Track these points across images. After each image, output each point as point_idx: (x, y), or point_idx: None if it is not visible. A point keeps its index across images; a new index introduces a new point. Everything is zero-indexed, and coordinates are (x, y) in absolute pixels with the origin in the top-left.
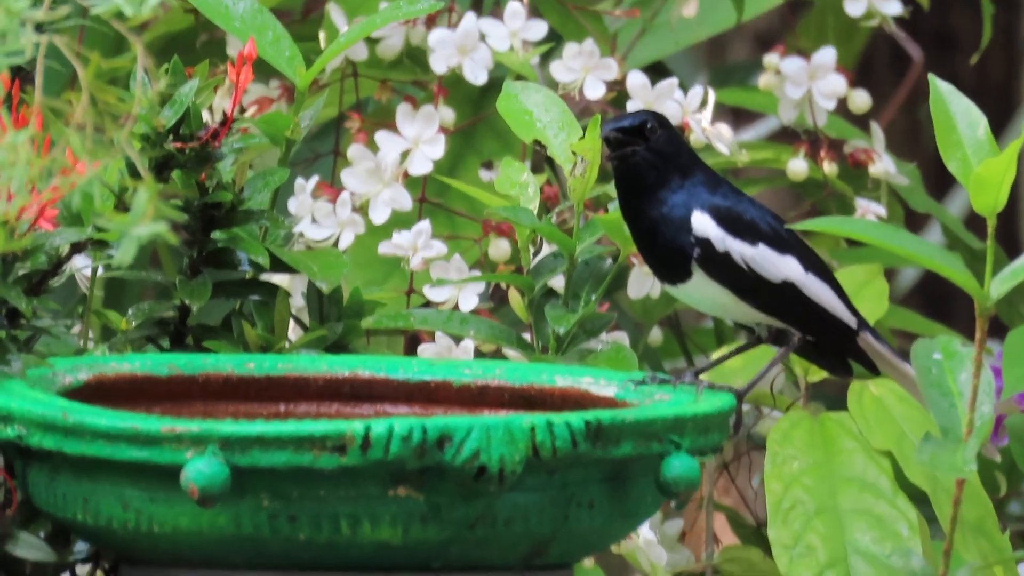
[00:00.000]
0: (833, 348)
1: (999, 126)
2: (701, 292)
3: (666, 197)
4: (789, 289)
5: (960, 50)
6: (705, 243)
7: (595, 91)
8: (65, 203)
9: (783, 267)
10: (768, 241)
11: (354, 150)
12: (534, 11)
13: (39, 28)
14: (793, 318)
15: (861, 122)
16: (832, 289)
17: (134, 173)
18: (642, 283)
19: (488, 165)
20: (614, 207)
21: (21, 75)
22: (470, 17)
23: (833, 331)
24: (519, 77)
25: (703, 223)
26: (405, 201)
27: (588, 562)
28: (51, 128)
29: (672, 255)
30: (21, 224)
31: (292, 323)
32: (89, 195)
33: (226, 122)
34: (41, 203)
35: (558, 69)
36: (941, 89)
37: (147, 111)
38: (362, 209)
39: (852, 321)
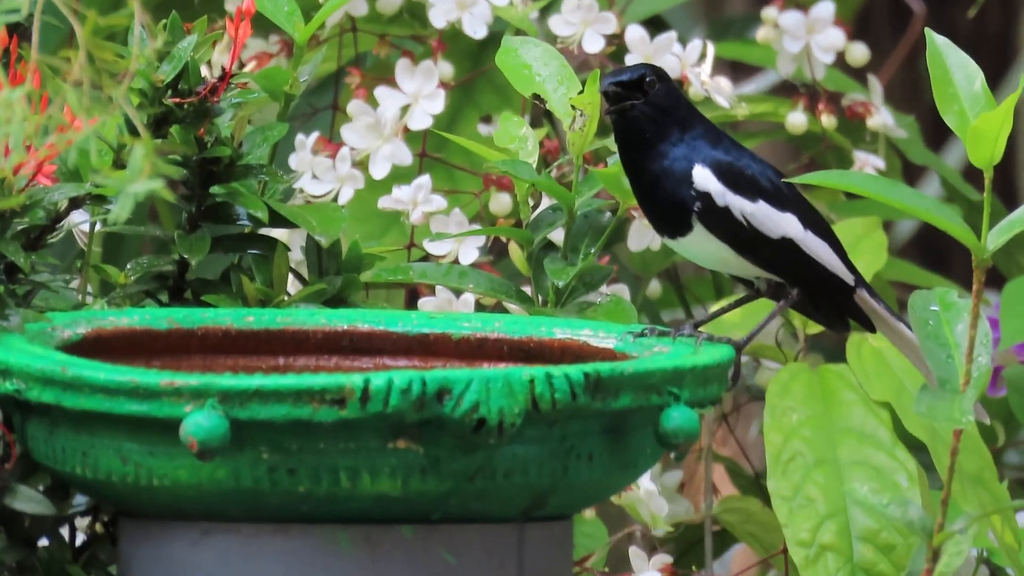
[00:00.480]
0: (830, 304)
1: (997, 78)
2: (700, 246)
3: (667, 151)
4: (788, 245)
5: (958, 3)
6: (706, 197)
7: (594, 45)
8: (62, 159)
9: (782, 223)
10: (768, 197)
11: (353, 105)
12: None
13: None
14: (791, 274)
15: (859, 75)
16: (831, 246)
17: (132, 129)
18: (641, 236)
19: (487, 119)
20: (613, 161)
21: (18, 31)
22: None
23: (830, 288)
24: (518, 31)
25: (704, 177)
26: (405, 156)
27: (588, 513)
28: (48, 85)
29: (673, 208)
30: (19, 180)
31: (291, 277)
32: (86, 151)
33: (225, 77)
34: (39, 159)
35: (557, 23)
36: (938, 43)
37: (145, 67)
38: (362, 164)
39: (850, 279)
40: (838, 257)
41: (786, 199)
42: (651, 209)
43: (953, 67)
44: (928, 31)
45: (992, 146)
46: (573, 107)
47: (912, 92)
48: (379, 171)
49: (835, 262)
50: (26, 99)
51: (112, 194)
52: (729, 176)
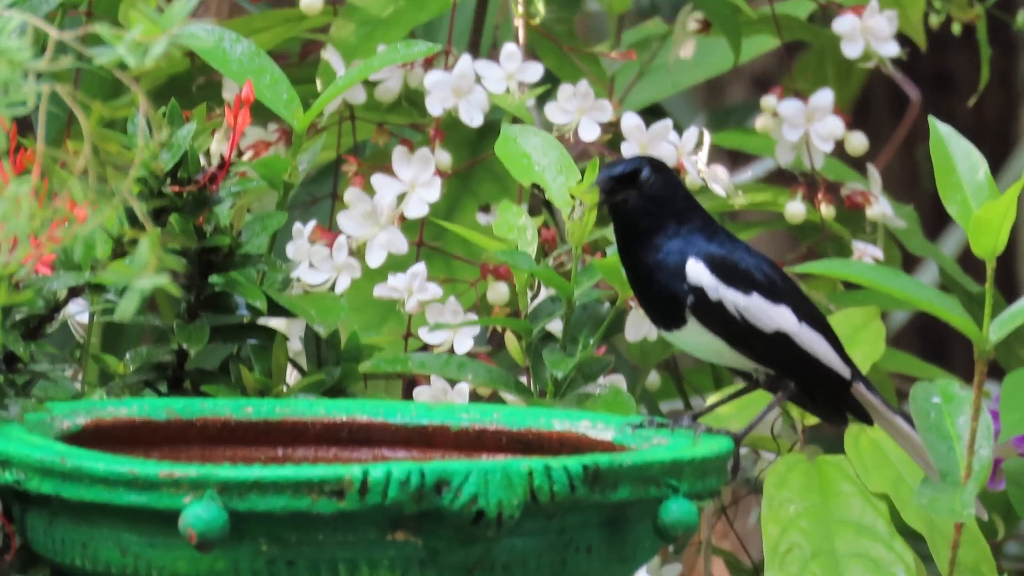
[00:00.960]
0: (826, 398)
1: (996, 167)
2: (695, 339)
3: (662, 243)
4: (782, 339)
5: (957, 91)
6: (699, 291)
7: (590, 133)
8: (65, 250)
9: (776, 317)
10: (762, 290)
11: (350, 193)
12: (530, 53)
13: (39, 76)
14: (786, 368)
15: (858, 163)
16: (826, 339)
17: (133, 219)
18: (639, 327)
19: (486, 208)
20: (612, 251)
21: (18, 120)
22: (466, 59)
23: (826, 381)
24: (515, 119)
25: (697, 271)
26: (401, 244)
27: None
28: (51, 175)
29: (667, 302)
30: (21, 272)
31: (290, 367)
32: (91, 242)
33: (224, 166)
34: (42, 250)
35: (553, 111)
36: (941, 131)
37: (145, 155)
38: (359, 252)
39: (846, 372)
40: (834, 351)
41: (780, 292)
42: (647, 302)
43: (956, 156)
44: (931, 119)
45: (995, 236)
46: (572, 197)
47: (909, 179)
48: (375, 259)
49: (831, 356)
50: (31, 193)
51: (110, 283)
52: (722, 269)
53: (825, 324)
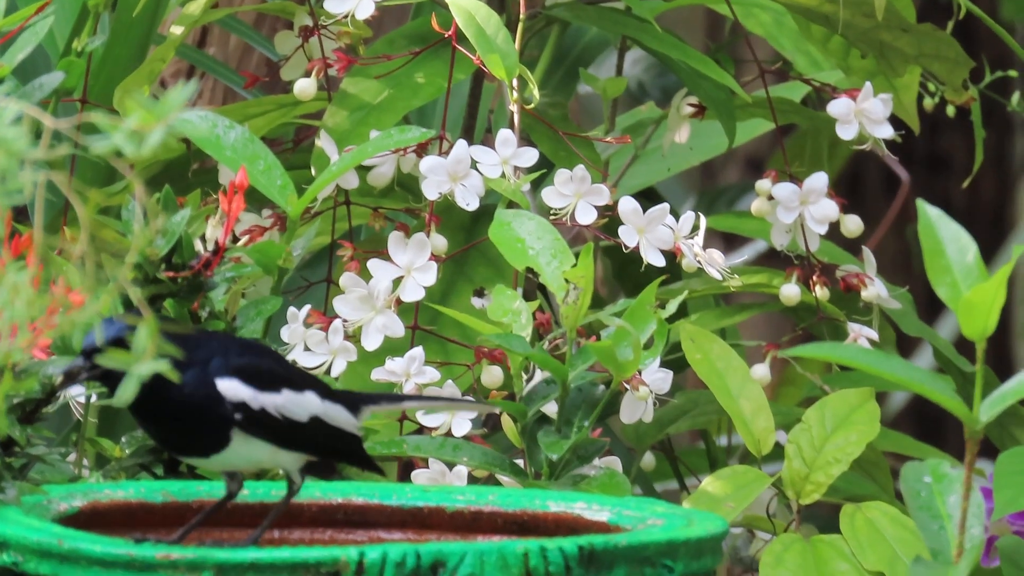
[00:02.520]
0: (350, 457)
1: (992, 248)
2: (238, 452)
3: (170, 385)
4: (316, 423)
5: (953, 172)
6: (242, 406)
7: (587, 216)
8: (62, 336)
9: (308, 405)
10: (289, 384)
11: (346, 278)
12: (525, 138)
13: (35, 164)
14: (324, 447)
15: (853, 244)
16: (339, 404)
17: (128, 305)
18: (634, 409)
19: (480, 292)
20: (607, 334)
21: (14, 207)
22: (462, 144)
23: (349, 445)
24: (511, 204)
25: (233, 388)
26: (397, 328)
27: None
28: (47, 262)
29: (209, 431)
30: (19, 358)
31: None
32: (86, 326)
33: (218, 251)
34: (38, 336)
35: (550, 195)
36: (930, 214)
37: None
38: (354, 336)
39: (355, 428)
40: (346, 411)
41: (299, 380)
42: (179, 440)
43: (946, 239)
44: (920, 202)
45: (985, 319)
46: (567, 281)
47: (903, 259)
48: (372, 343)
49: (346, 418)
50: (29, 281)
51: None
52: (252, 377)
53: (326, 387)
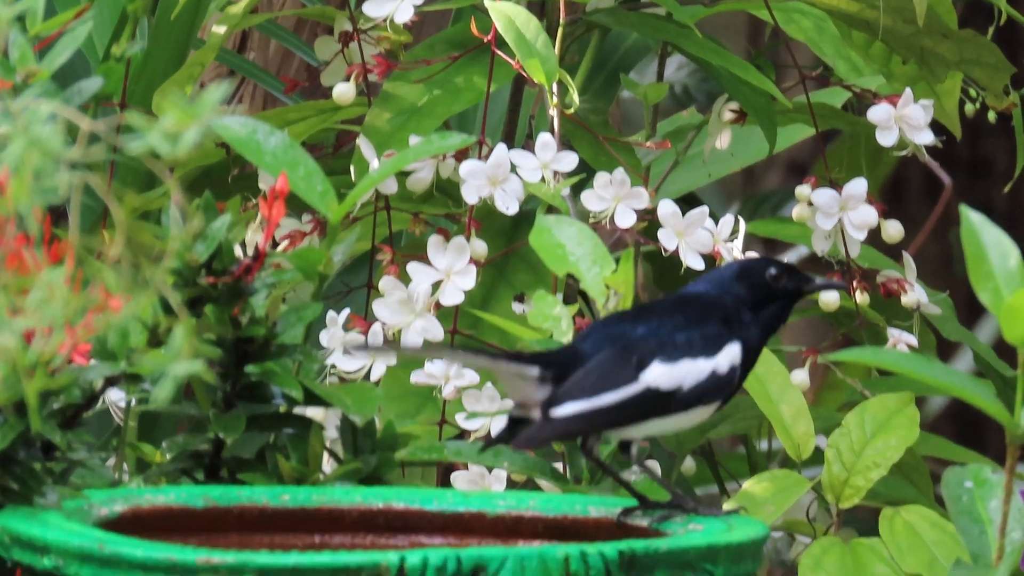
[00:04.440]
0: None
1: None
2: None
3: None
4: None
5: (994, 177)
6: None
7: (626, 220)
8: (98, 338)
9: None
10: None
11: (385, 282)
12: (566, 143)
13: (72, 166)
14: None
15: (894, 249)
16: None
17: (167, 308)
18: None
19: (520, 298)
20: None
21: (53, 211)
22: (502, 148)
23: None
24: (550, 208)
25: None
26: (437, 331)
27: None
28: (85, 265)
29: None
30: (56, 360)
31: (326, 456)
32: (125, 331)
33: (259, 257)
34: (76, 339)
35: (589, 198)
36: (972, 219)
37: (180, 245)
38: (395, 340)
39: None
40: None
41: None
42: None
43: (988, 244)
44: (963, 207)
45: None
46: (607, 286)
47: (944, 264)
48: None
49: None
50: (65, 280)
51: (147, 372)
52: None
53: None
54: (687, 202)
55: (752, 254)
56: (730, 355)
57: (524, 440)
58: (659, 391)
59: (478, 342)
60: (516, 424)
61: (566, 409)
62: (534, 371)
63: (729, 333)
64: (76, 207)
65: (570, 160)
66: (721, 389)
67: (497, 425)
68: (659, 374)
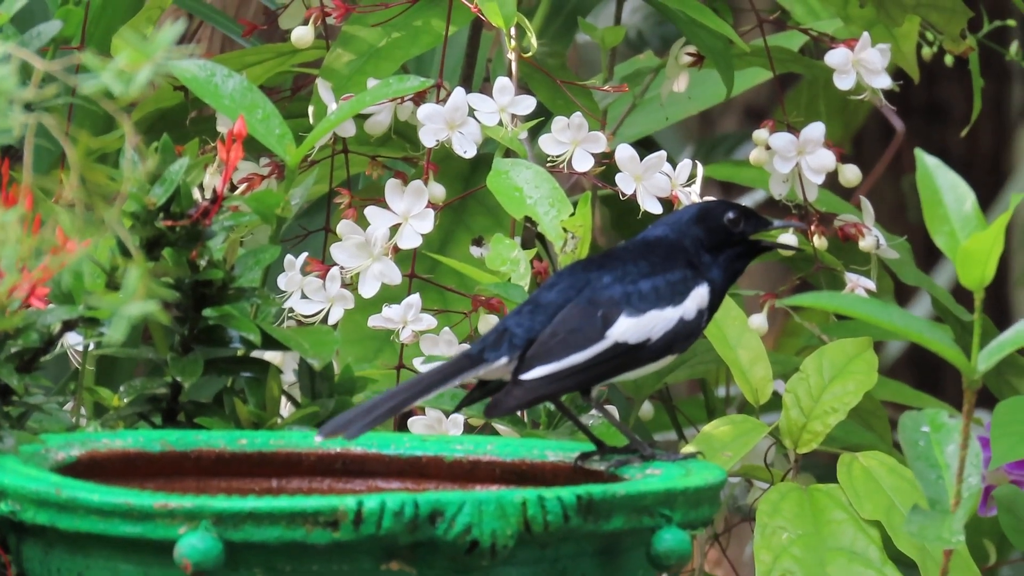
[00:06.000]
0: None
1: (989, 196)
2: None
3: None
4: None
5: (950, 122)
6: None
7: (584, 164)
8: (55, 281)
9: None
10: None
11: (343, 225)
12: (524, 87)
13: (28, 107)
14: None
15: (851, 194)
16: None
17: (125, 251)
18: None
19: (478, 241)
20: None
21: (10, 153)
22: (460, 92)
23: None
24: (508, 152)
25: None
26: (395, 275)
27: None
28: (41, 207)
29: None
30: (12, 302)
31: (284, 400)
32: (79, 273)
33: (217, 200)
34: (32, 282)
35: (547, 142)
36: (927, 163)
37: (137, 189)
38: (352, 284)
39: None
40: None
41: None
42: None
43: (943, 188)
44: (918, 151)
45: (983, 267)
46: (565, 230)
47: (900, 208)
48: (369, 290)
49: None
50: (19, 221)
51: (105, 316)
52: None
53: None
54: (644, 145)
55: (710, 199)
56: (697, 299)
57: (495, 408)
58: (627, 345)
59: (436, 286)
60: (484, 384)
61: (536, 372)
62: (503, 360)
63: (695, 276)
64: (30, 147)
65: (528, 104)
66: (690, 336)
67: None
68: (626, 328)
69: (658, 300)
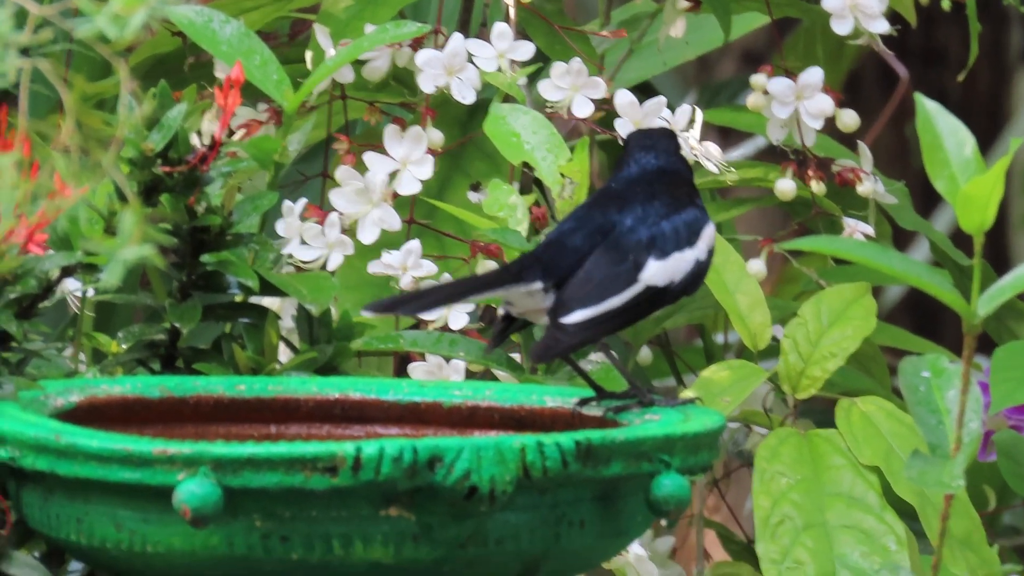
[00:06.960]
0: None
1: (987, 141)
2: None
3: None
4: None
5: (948, 66)
6: None
7: (583, 109)
8: (53, 227)
9: None
10: None
11: (342, 171)
12: (521, 32)
13: (24, 52)
14: None
15: (849, 140)
16: None
17: (122, 197)
18: None
19: (476, 187)
20: None
21: (6, 99)
22: (458, 37)
23: None
24: (506, 98)
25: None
26: (394, 221)
27: None
28: (38, 152)
29: None
30: (9, 248)
31: (282, 345)
32: (76, 219)
33: (214, 146)
34: (30, 227)
35: (546, 88)
36: (928, 108)
37: (134, 135)
38: (351, 230)
39: None
40: None
41: None
42: None
43: (943, 132)
44: (918, 96)
45: (983, 212)
46: (562, 175)
47: (900, 155)
48: (368, 236)
49: None
50: (16, 166)
51: (103, 262)
52: None
53: None
54: (642, 91)
55: (709, 143)
56: (707, 239)
57: (542, 351)
58: (656, 288)
59: (435, 231)
60: (509, 321)
61: (576, 316)
62: (538, 284)
63: (703, 215)
64: (26, 92)
65: (527, 49)
66: (701, 276)
67: (456, 317)
68: (655, 271)
69: (678, 242)
